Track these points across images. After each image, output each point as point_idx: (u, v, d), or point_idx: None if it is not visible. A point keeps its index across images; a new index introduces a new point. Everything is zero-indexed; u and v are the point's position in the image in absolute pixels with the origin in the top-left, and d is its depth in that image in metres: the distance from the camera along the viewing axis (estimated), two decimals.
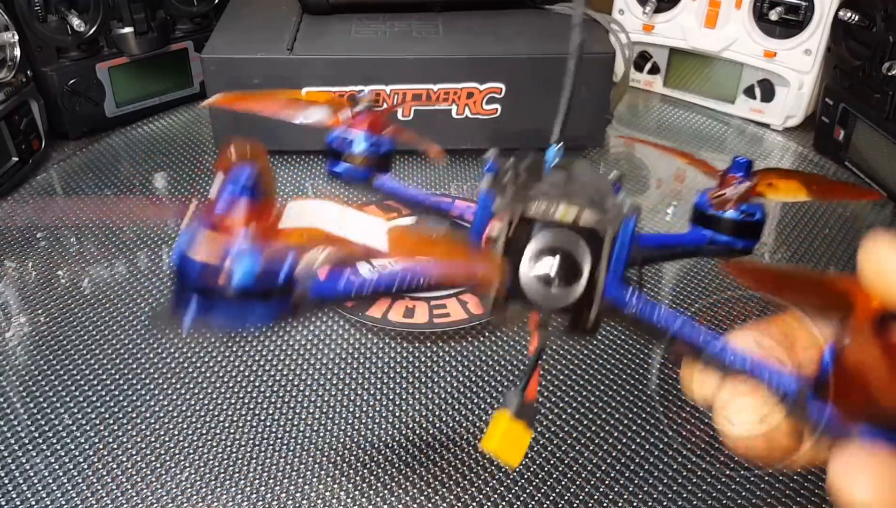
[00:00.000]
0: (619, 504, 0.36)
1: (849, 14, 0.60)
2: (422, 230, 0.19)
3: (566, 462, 0.38)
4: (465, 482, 0.38)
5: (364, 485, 0.37)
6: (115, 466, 0.38)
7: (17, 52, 0.60)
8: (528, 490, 0.37)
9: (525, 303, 0.23)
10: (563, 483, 0.37)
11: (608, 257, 0.22)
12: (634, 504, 0.37)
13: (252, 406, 0.42)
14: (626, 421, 0.41)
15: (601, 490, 0.37)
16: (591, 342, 0.46)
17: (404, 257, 0.21)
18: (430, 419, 0.41)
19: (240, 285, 0.18)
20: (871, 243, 0.19)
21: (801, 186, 0.32)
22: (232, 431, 0.40)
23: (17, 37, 0.60)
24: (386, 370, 0.44)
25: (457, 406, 0.42)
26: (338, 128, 0.34)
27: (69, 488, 0.37)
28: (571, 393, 0.42)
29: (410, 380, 0.43)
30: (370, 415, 0.41)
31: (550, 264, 0.22)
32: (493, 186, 0.24)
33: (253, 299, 0.19)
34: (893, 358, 0.18)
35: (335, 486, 0.37)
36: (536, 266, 0.22)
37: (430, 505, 0.37)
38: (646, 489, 0.37)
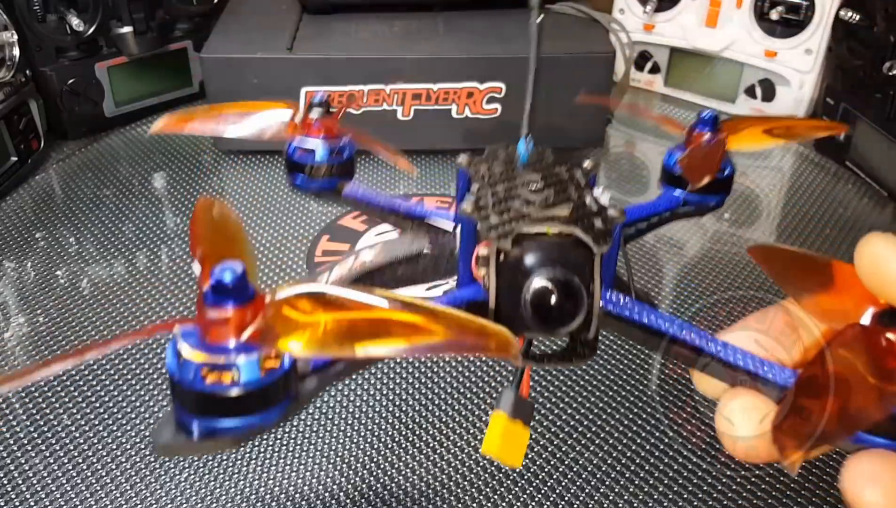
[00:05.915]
0: (619, 505, 0.36)
1: (850, 14, 0.60)
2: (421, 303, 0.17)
3: (566, 462, 0.38)
4: (465, 482, 0.38)
5: (364, 485, 0.37)
6: (114, 466, 0.38)
7: (17, 51, 0.60)
8: (528, 491, 0.37)
9: (531, 333, 0.22)
10: (563, 483, 0.37)
11: (601, 272, 0.22)
12: (634, 504, 0.36)
13: None
14: (626, 421, 0.41)
15: (601, 490, 0.37)
16: None
17: (411, 351, 0.19)
18: (430, 420, 0.41)
19: (249, 381, 0.17)
20: (865, 242, 0.20)
21: (767, 131, 0.31)
22: None
23: (16, 36, 0.59)
24: (386, 371, 0.44)
25: (457, 407, 0.42)
26: (294, 138, 0.33)
27: (69, 488, 0.37)
28: (571, 393, 0.42)
29: (410, 380, 0.43)
30: (370, 415, 0.41)
31: (550, 299, 0.21)
32: (473, 210, 0.23)
33: (258, 398, 0.17)
34: (882, 360, 0.18)
35: (335, 486, 0.37)
36: (536, 303, 0.21)
37: (430, 506, 0.36)
38: (646, 489, 0.37)
